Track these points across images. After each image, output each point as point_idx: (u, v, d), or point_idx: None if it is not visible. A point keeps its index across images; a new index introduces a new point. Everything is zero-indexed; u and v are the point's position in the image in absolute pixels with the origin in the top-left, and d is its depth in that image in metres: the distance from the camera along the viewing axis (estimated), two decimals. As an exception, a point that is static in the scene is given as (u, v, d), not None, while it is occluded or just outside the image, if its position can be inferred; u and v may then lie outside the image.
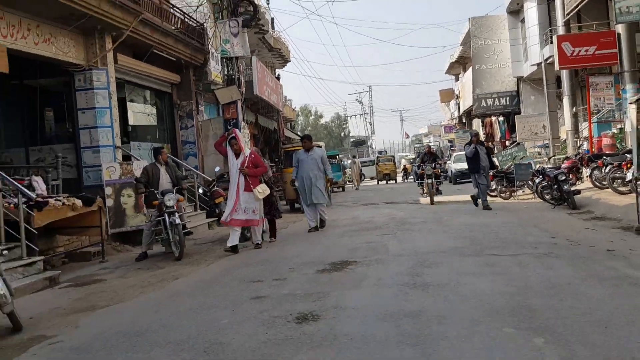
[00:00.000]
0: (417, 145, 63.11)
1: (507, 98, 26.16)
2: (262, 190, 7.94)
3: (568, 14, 15.35)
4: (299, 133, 33.62)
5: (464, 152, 13.33)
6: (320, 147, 12.61)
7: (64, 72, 9.85)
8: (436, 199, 13.81)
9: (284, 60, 28.43)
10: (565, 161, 13.80)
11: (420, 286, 4.72)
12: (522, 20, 23.91)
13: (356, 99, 64.33)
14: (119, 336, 4.05)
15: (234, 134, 8.30)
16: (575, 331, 3.34)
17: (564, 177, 10.60)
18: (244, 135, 13.09)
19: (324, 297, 4.64)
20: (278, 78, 26.65)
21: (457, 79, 39.04)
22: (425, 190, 14.48)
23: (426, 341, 3.36)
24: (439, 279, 4.94)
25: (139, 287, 5.96)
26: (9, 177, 7.35)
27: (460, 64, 35.43)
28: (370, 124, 62.77)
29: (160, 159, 8.61)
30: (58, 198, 7.54)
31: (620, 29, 13.47)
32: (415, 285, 4.80)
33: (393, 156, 39.30)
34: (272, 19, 26.48)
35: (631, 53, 13.35)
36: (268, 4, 27.88)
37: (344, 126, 79.83)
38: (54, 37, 9.04)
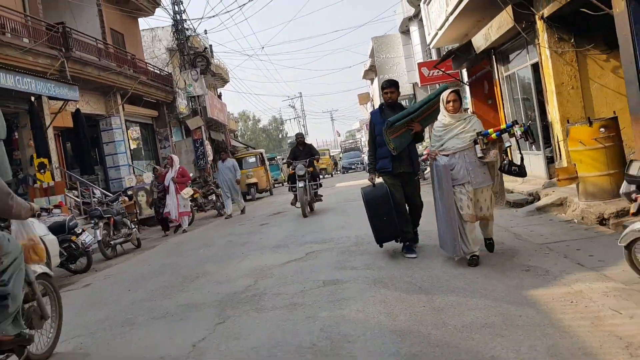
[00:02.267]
0: (350, 141, 69.79)
1: (406, 100, 33.00)
2: (187, 192, 13.02)
3: (431, 41, 22.10)
4: (240, 140, 39.37)
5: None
6: (261, 152, 18.43)
7: (93, 121, 15.49)
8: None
9: (224, 81, 34.26)
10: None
11: None
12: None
13: (289, 105, 70.24)
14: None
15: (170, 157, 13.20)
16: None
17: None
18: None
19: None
20: (219, 96, 32.43)
21: (372, 83, 45.95)
22: (299, 201, 10.71)
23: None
24: None
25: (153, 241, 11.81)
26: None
27: (372, 71, 42.31)
28: (304, 126, 68.95)
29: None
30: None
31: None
32: None
33: (328, 149, 44.37)
34: (210, 46, 32.26)
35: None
36: (206, 33, 33.60)
37: (281, 128, 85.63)
38: (89, 99, 14.70)
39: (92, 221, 9.07)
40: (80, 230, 8.06)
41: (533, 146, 10.42)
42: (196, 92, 19.22)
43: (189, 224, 12.45)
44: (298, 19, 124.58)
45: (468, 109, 14.79)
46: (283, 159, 37.31)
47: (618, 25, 6.27)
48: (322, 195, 11.71)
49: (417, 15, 26.66)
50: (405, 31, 31.62)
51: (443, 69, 18.19)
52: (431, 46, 15.97)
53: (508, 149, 6.80)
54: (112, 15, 16.95)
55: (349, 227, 8.32)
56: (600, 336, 3.06)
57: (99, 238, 8.79)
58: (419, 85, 21.77)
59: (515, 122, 5.15)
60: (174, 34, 19.43)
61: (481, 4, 9.60)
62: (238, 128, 65.68)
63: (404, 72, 32.89)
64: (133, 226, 10.29)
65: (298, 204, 10.96)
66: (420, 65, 21.19)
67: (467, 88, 14.89)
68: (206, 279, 6.04)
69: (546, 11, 8.17)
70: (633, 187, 3.57)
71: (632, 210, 3.61)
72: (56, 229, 7.67)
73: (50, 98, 11.73)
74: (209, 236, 10.58)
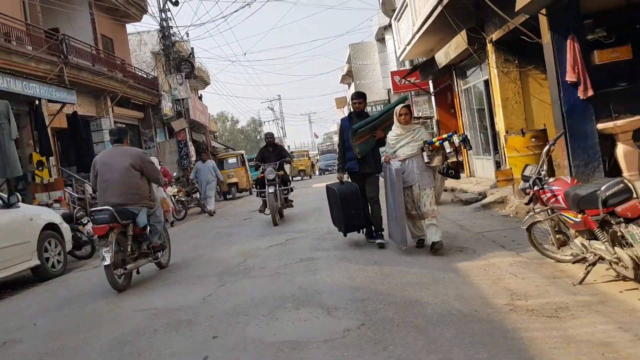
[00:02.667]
0: (327, 144, 71.07)
1: (381, 105, 34.45)
2: (170, 191, 14.25)
3: (401, 54, 23.53)
4: (220, 142, 40.32)
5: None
6: (242, 153, 19.57)
7: (84, 122, 16.44)
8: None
9: (205, 83, 35.26)
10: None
11: None
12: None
13: (268, 107, 71.26)
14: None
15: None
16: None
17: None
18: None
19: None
20: (200, 98, 33.44)
21: (349, 87, 47.37)
22: (268, 209, 10.08)
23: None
24: None
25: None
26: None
27: (350, 76, 43.71)
28: (282, 128, 70.04)
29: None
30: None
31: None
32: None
33: (307, 151, 45.26)
34: (192, 49, 33.26)
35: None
36: (188, 36, 34.52)
37: (260, 130, 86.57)
38: (83, 102, 15.68)
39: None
40: (87, 221, 9.16)
41: (486, 153, 11.89)
42: (181, 95, 20.32)
43: (182, 219, 13.62)
44: (279, 27, 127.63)
45: (433, 117, 16.22)
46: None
47: (546, 53, 7.70)
48: (292, 201, 11.12)
49: (391, 25, 28.16)
50: (380, 39, 33.08)
51: (413, 79, 19.64)
52: (400, 59, 17.35)
53: (457, 155, 8.14)
54: (103, 21, 17.94)
55: (322, 220, 9.57)
56: (495, 289, 4.37)
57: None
58: (393, 92, 23.17)
59: (454, 133, 6.43)
60: (160, 39, 20.46)
61: (442, 26, 10.97)
62: (217, 129, 66.50)
63: (379, 78, 34.37)
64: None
65: (267, 211, 10.24)
66: (392, 73, 22.57)
67: (433, 98, 16.30)
68: (203, 259, 7.25)
69: (494, 36, 9.57)
70: (527, 184, 4.89)
71: (525, 201, 4.95)
72: (66, 219, 8.75)
73: (49, 101, 12.73)
74: (198, 229, 11.75)
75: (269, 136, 11.36)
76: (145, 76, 19.61)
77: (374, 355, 3.23)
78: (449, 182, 11.48)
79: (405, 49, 14.55)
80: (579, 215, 4.08)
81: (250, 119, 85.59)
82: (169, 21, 20.14)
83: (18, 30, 12.53)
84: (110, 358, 3.75)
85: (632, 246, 3.63)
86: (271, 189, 9.98)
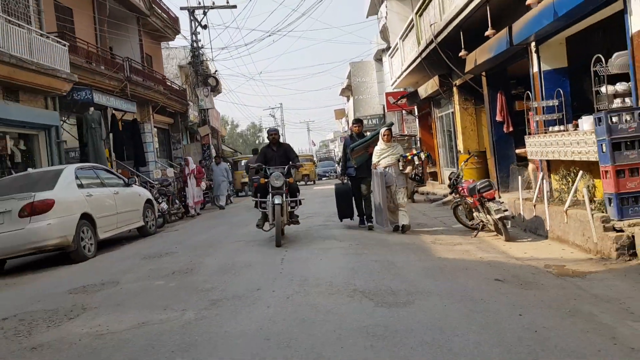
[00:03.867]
0: (324, 151, 74.81)
1: (377, 119, 38.42)
2: (204, 185, 18.12)
3: (396, 80, 27.52)
4: (229, 146, 44.11)
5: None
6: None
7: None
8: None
9: (217, 92, 39.10)
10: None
11: None
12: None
13: (270, 114, 74.88)
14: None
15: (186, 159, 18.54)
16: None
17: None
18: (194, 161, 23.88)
19: None
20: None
21: (348, 100, 51.34)
22: (270, 220, 8.39)
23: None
24: None
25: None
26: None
27: (349, 90, 47.69)
28: (282, 135, 73.78)
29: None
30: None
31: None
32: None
33: (312, 155, 48.40)
34: (216, 70, 37.19)
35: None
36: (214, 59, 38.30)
37: (259, 134, 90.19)
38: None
39: (161, 197, 13.95)
40: (161, 201, 12.97)
41: (452, 165, 15.75)
42: (206, 105, 24.15)
43: (201, 209, 17.48)
44: (289, 52, 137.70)
45: (417, 134, 20.15)
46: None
47: (485, 100, 11.64)
48: (298, 217, 9.11)
49: (389, 48, 32.19)
50: (378, 59, 37.05)
51: (404, 100, 23.48)
52: (393, 87, 21.22)
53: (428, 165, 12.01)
54: (145, 41, 21.80)
55: (329, 207, 13.36)
56: (430, 238, 8.22)
57: (166, 207, 13.71)
58: (386, 110, 27.14)
59: (421, 151, 10.28)
60: (190, 58, 24.33)
61: (422, 69, 14.89)
62: (226, 134, 70.22)
63: (375, 94, 38.36)
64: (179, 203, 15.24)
65: (267, 226, 8.57)
66: (387, 94, 26.51)
67: (417, 120, 20.25)
68: (244, 230, 11.05)
69: (457, 82, 13.50)
70: (450, 182, 8.77)
71: (449, 191, 8.84)
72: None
73: (115, 109, 16.55)
74: (226, 214, 15.56)
75: (273, 132, 9.42)
76: (177, 88, 23.45)
77: (363, 254, 7.12)
78: (425, 188, 15.45)
79: (396, 80, 18.48)
80: (471, 199, 7.97)
81: (250, 123, 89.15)
82: (199, 42, 23.99)
83: (95, 54, 16.34)
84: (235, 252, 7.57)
85: (491, 214, 7.52)
86: (277, 200, 8.12)
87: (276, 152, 9.19)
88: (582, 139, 6.85)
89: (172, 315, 4.77)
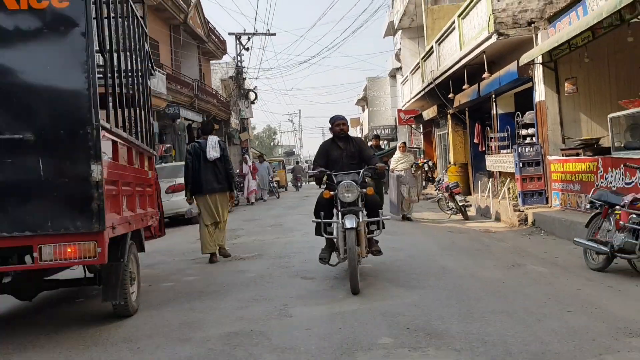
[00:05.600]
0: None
1: (389, 129, 43.49)
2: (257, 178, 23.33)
3: (406, 103, 32.60)
4: (257, 149, 49.30)
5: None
6: (282, 160, 28.59)
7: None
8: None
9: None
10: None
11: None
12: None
13: (288, 119, 79.99)
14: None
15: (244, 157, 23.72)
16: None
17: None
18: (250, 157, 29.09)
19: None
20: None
21: (363, 110, 56.47)
22: (340, 254, 5.74)
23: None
24: None
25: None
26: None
27: (364, 101, 52.82)
28: (300, 139, 78.92)
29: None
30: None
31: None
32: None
33: None
34: (256, 86, 42.54)
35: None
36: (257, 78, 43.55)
37: (274, 137, 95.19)
38: (194, 117, 24.75)
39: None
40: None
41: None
42: (247, 115, 29.34)
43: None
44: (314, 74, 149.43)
45: (421, 147, 25.24)
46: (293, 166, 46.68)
47: (467, 127, 16.71)
48: (377, 242, 6.46)
49: (401, 68, 37.29)
50: (392, 76, 42.11)
51: (412, 117, 28.30)
52: (404, 109, 26.24)
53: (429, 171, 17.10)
54: (202, 61, 27.06)
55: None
56: (420, 218, 13.30)
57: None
58: (398, 124, 32.20)
59: (428, 160, 15.36)
60: (235, 74, 29.59)
61: (425, 99, 19.91)
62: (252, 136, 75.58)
63: (389, 107, 43.40)
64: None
65: (335, 259, 6.04)
66: (399, 110, 31.56)
67: (422, 136, 25.35)
68: (299, 210, 16.13)
69: (450, 111, 18.54)
70: (436, 184, 13.78)
71: (434, 188, 13.90)
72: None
73: (185, 119, 21.76)
74: (274, 204, 20.69)
75: (340, 121, 6.58)
76: (223, 100, 28.71)
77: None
78: (425, 190, 20.57)
79: (406, 104, 23.57)
80: (446, 193, 13.03)
81: (266, 126, 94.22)
82: (242, 62, 29.24)
83: (172, 76, 21.58)
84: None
85: (456, 203, 12.59)
86: (350, 222, 5.52)
87: (344, 150, 6.46)
88: (510, 159, 11.92)
89: (280, 236, 9.94)
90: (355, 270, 5.47)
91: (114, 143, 4.43)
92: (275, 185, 25.04)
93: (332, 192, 5.94)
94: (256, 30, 29.15)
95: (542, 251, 7.74)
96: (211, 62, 31.75)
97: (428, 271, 6.59)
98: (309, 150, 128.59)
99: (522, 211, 10.85)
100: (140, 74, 6.15)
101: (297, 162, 52.72)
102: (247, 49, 29.45)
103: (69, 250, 3.75)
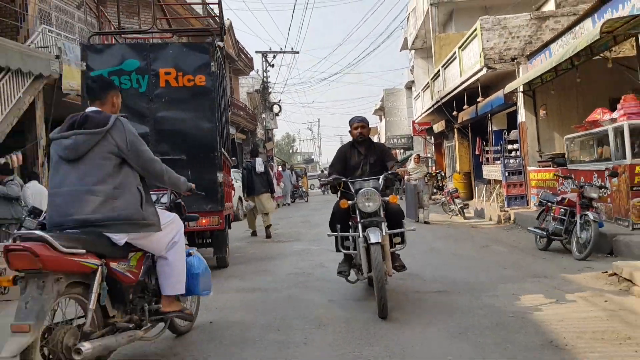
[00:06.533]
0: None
1: (405, 139, 46.16)
2: (282, 185, 26.30)
3: (418, 117, 35.32)
4: (280, 157, 52.30)
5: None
6: (305, 167, 31.51)
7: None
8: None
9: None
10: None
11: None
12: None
13: (307, 127, 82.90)
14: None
15: (271, 164, 26.68)
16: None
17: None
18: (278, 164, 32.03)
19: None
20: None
21: (380, 119, 59.22)
22: (364, 273, 5.14)
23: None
24: None
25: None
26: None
27: (381, 110, 55.59)
28: (319, 147, 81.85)
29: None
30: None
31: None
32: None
33: None
34: (280, 100, 45.63)
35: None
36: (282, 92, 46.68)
37: (292, 144, 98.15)
38: (225, 130, 27.75)
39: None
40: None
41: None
42: (272, 126, 32.30)
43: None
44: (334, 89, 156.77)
45: (432, 157, 27.96)
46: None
47: (470, 140, 19.43)
48: (399, 255, 5.71)
49: (414, 81, 40.04)
50: (409, 87, 44.86)
51: (424, 128, 30.81)
52: (417, 122, 28.97)
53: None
54: (231, 77, 30.11)
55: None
56: (431, 221, 16.05)
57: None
58: (413, 134, 34.94)
59: (440, 171, 18.12)
60: (261, 89, 32.61)
61: (435, 114, 22.63)
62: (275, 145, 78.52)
63: (405, 117, 46.15)
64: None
65: (354, 277, 5.73)
66: (413, 122, 34.30)
67: (433, 147, 28.10)
68: (323, 211, 18.92)
69: (456, 126, 21.26)
70: (441, 189, 16.45)
71: (438, 193, 16.62)
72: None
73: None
74: (300, 207, 23.51)
75: (359, 123, 6.00)
76: (250, 112, 31.74)
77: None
78: (435, 196, 23.30)
79: (418, 117, 26.34)
80: (449, 197, 15.76)
81: (285, 134, 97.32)
82: (269, 77, 32.28)
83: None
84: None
85: (456, 205, 15.31)
86: (374, 236, 4.93)
87: (365, 155, 5.95)
88: (499, 169, 14.63)
89: (310, 229, 12.77)
90: (384, 295, 4.68)
91: (224, 160, 7.38)
92: (304, 190, 28.00)
93: (349, 202, 5.27)
94: (281, 49, 32.17)
95: (511, 239, 10.46)
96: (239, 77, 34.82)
97: (420, 249, 9.37)
98: (327, 157, 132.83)
99: (507, 211, 13.55)
100: (225, 106, 9.13)
101: (322, 171, 55.61)
102: (272, 66, 32.48)
103: (204, 221, 6.68)
